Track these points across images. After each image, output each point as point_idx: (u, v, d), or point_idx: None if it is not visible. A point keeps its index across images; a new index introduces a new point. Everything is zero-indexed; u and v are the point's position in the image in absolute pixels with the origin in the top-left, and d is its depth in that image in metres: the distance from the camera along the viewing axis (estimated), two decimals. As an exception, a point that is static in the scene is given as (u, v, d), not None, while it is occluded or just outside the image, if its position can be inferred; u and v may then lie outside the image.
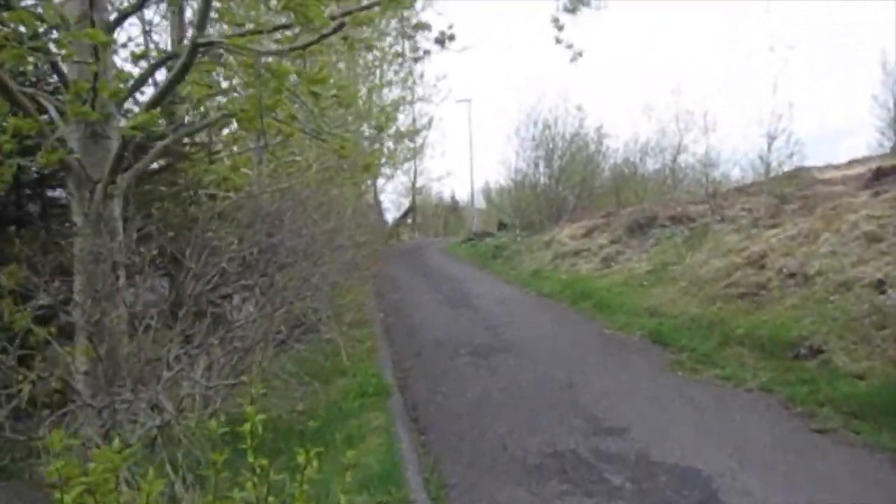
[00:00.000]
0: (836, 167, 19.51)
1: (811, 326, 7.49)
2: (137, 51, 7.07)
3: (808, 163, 17.89)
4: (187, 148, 9.48)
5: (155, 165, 8.89)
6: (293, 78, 5.14)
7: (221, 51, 5.82)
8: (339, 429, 6.03)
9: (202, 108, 8.20)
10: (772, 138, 13.15)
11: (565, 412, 6.34)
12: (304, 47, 4.66)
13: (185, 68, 5.27)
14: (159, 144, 6.63)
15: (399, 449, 5.52)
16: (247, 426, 2.28)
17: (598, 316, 10.71)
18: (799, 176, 16.34)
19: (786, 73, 13.08)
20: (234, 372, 5.53)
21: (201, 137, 9.37)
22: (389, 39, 16.01)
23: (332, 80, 6.76)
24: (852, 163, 21.05)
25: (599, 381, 7.29)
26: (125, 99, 6.23)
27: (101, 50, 4.97)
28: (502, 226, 26.02)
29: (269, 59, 5.60)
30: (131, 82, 5.99)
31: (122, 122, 5.73)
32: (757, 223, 11.88)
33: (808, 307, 8.05)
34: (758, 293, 9.08)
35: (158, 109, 5.58)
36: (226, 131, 11.77)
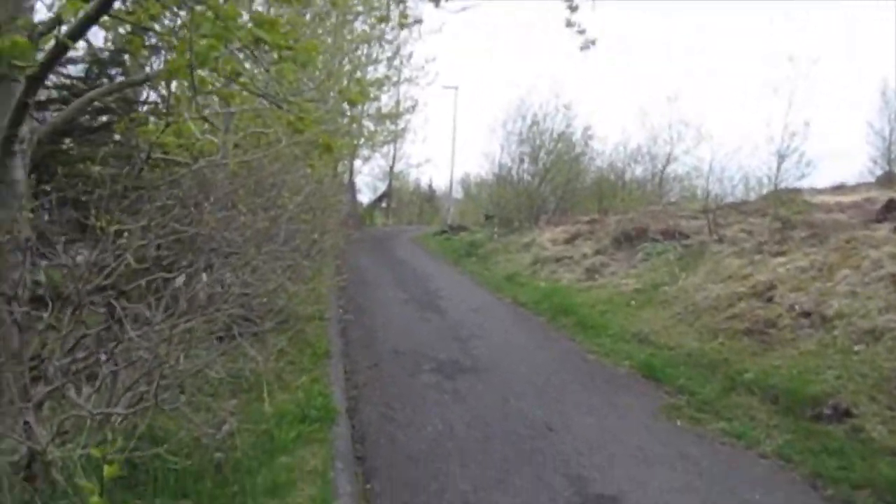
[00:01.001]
0: (821, 191, 18.69)
1: (835, 381, 6.39)
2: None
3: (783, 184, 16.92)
4: (138, 105, 8.21)
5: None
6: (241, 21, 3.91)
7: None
8: (265, 468, 4.80)
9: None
10: (782, 157, 12.09)
11: (544, 467, 5.17)
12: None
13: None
14: (85, 96, 5.38)
15: (335, 509, 4.33)
16: None
17: (581, 337, 9.56)
18: (792, 199, 15.36)
19: (804, 88, 11.90)
20: (135, 391, 4.28)
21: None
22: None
23: (287, 32, 5.52)
24: (840, 188, 20.26)
25: (583, 425, 6.13)
26: (47, 32, 4.94)
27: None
28: (488, 218, 24.73)
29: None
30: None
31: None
32: (761, 248, 10.82)
33: (829, 356, 6.96)
34: (766, 331, 7.98)
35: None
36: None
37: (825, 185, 19.82)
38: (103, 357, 3.77)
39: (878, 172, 26.53)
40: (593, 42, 7.63)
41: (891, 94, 26.94)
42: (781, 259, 9.98)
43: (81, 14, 4.17)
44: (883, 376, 6.21)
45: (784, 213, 12.60)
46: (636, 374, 7.80)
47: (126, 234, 4.20)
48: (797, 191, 17.57)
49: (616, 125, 57.49)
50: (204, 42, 3.71)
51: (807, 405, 6.19)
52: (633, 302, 10.85)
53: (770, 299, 8.75)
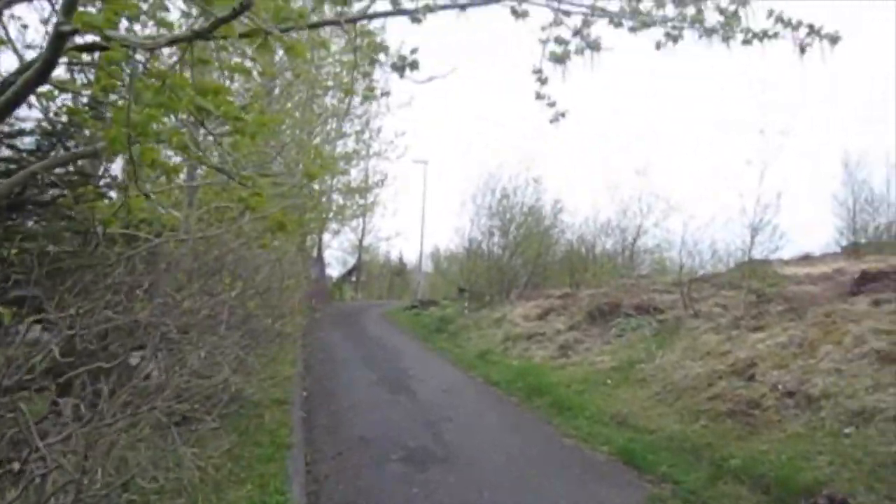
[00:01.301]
0: (789, 262, 18.67)
1: (828, 468, 6.03)
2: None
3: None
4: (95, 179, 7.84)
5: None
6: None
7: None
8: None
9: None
10: (755, 230, 11.98)
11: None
12: (192, 38, 3.12)
13: (48, 65, 3.66)
14: (27, 169, 5.06)
15: None
16: None
17: (557, 419, 9.11)
18: (764, 271, 15.25)
19: (775, 160, 11.92)
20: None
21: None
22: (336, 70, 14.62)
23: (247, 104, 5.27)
24: (807, 259, 20.29)
25: (565, 522, 5.67)
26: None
27: None
28: (461, 291, 24.23)
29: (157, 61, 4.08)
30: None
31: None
32: (738, 323, 10.58)
33: (818, 440, 6.62)
34: (750, 413, 7.63)
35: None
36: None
37: (792, 256, 19.90)
38: (16, 466, 3.29)
39: (844, 243, 26.81)
40: (563, 115, 7.45)
41: (853, 167, 27.46)
42: (760, 335, 9.74)
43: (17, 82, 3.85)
44: (878, 462, 5.87)
45: (758, 285, 12.43)
46: (616, 460, 7.35)
47: (54, 320, 3.77)
48: (767, 262, 17.55)
49: (586, 198, 57.68)
50: (144, 112, 3.39)
51: (799, 495, 5.80)
52: (608, 381, 10.48)
53: (751, 377, 8.44)
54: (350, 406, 9.78)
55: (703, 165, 42.32)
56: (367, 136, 27.54)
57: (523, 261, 23.35)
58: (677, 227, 25.36)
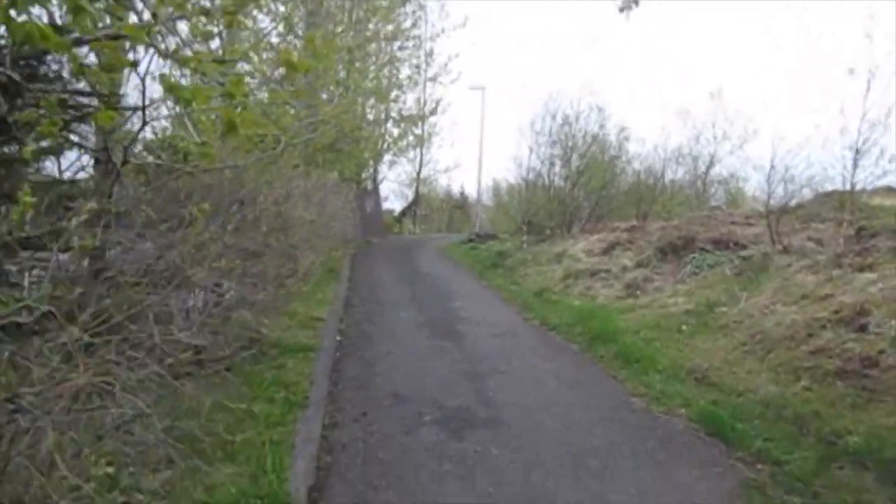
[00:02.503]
0: (872, 192, 16.46)
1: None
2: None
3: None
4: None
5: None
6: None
7: None
8: None
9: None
10: (858, 153, 10.19)
11: None
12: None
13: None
14: None
15: None
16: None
17: (624, 373, 7.82)
18: (857, 200, 13.35)
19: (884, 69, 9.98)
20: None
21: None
22: None
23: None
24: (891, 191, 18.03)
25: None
26: None
27: None
28: (528, 224, 22.57)
29: None
30: None
31: None
32: (839, 261, 8.99)
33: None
34: (867, 374, 6.19)
35: None
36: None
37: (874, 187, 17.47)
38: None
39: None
40: (635, 1, 6.00)
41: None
42: (869, 275, 8.17)
43: None
44: None
45: (857, 217, 10.73)
46: (697, 429, 6.04)
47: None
48: (855, 192, 15.39)
49: (653, 126, 54.95)
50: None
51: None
52: (684, 327, 9.09)
53: (863, 328, 6.95)
54: (387, 353, 8.68)
55: (794, 79, 38.77)
56: (420, 59, 26.02)
57: (586, 192, 21.68)
58: (759, 153, 23.19)
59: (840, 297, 7.84)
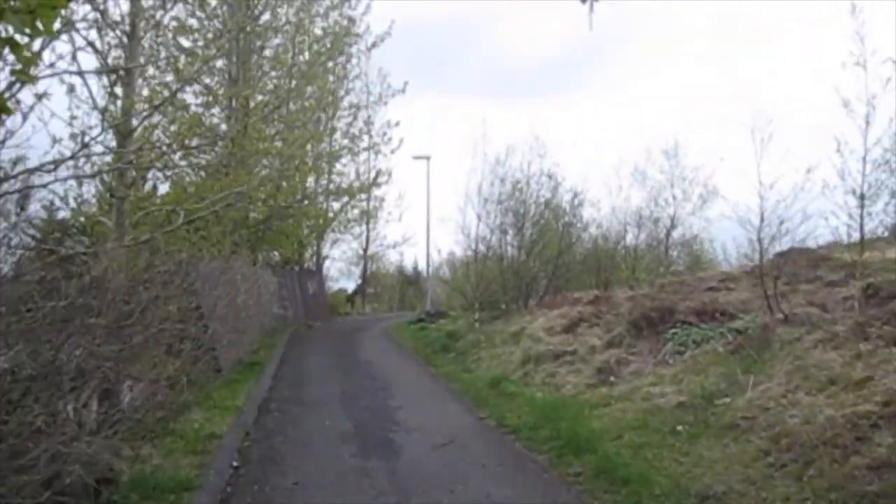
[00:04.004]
0: (847, 246, 14.83)
1: None
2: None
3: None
4: None
5: None
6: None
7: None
8: None
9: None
10: (863, 198, 8.49)
11: None
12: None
13: None
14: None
15: None
16: None
17: (609, 500, 5.74)
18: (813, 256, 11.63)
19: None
20: None
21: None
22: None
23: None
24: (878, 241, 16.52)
25: None
26: None
27: None
28: (482, 301, 20.25)
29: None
30: None
31: None
32: (865, 332, 7.15)
33: None
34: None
35: None
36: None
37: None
38: None
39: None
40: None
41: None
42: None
43: None
44: None
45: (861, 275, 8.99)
46: None
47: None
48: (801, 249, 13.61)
49: (607, 186, 54.12)
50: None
51: None
52: (680, 427, 7.05)
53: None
54: (292, 487, 6.46)
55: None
56: (357, 127, 24.43)
57: (542, 261, 19.79)
58: (719, 211, 21.63)
59: (883, 382, 5.95)
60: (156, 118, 14.68)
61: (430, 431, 8.46)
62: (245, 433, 8.51)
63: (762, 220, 9.22)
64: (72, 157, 7.34)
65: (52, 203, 11.85)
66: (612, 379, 9.56)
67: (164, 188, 15.33)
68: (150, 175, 15.24)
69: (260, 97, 17.86)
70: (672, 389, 8.08)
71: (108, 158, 9.05)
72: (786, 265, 11.18)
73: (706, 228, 24.03)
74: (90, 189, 12.07)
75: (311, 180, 24.97)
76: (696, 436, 6.78)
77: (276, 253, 26.22)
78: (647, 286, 14.02)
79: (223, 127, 17.26)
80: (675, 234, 23.28)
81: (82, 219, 12.15)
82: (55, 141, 7.14)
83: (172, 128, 12.84)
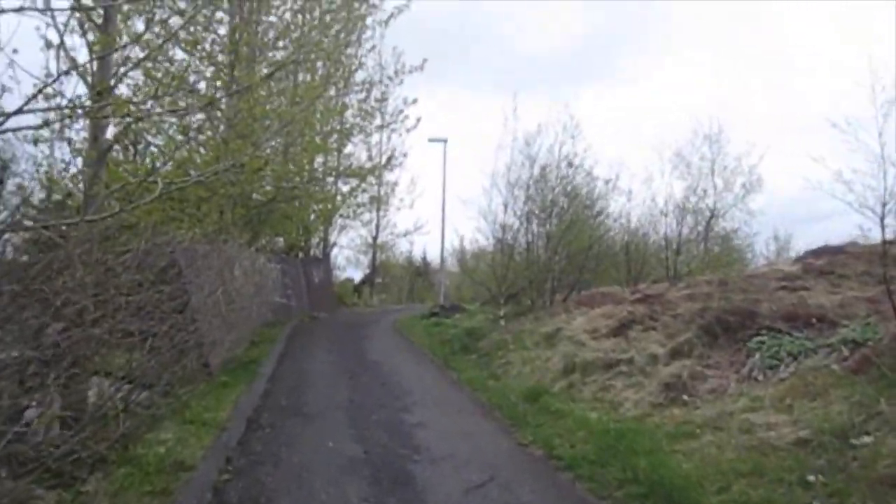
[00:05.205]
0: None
1: None
2: None
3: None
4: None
5: None
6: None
7: None
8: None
9: None
10: None
11: None
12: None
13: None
14: None
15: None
16: None
17: None
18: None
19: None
20: None
21: None
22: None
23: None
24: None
25: None
26: None
27: None
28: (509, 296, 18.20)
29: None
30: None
31: None
32: None
33: None
34: None
35: None
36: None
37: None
38: None
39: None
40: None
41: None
42: None
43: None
44: None
45: None
46: None
47: None
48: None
49: (640, 178, 51.97)
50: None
51: None
52: (812, 478, 5.15)
53: None
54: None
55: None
56: (370, 105, 22.53)
57: (570, 252, 17.80)
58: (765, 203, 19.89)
59: None
60: (140, 77, 12.88)
61: (461, 462, 6.60)
62: (226, 459, 6.67)
63: (885, 202, 7.26)
64: (34, 97, 5.56)
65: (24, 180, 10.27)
66: (685, 398, 7.67)
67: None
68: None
69: (265, 70, 16.00)
70: (782, 419, 6.16)
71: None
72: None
73: (747, 221, 22.17)
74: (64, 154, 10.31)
75: (319, 160, 23.10)
76: (838, 492, 4.88)
77: (279, 239, 24.45)
78: (706, 283, 12.05)
79: (222, 97, 15.43)
80: (716, 226, 21.39)
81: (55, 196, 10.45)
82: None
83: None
